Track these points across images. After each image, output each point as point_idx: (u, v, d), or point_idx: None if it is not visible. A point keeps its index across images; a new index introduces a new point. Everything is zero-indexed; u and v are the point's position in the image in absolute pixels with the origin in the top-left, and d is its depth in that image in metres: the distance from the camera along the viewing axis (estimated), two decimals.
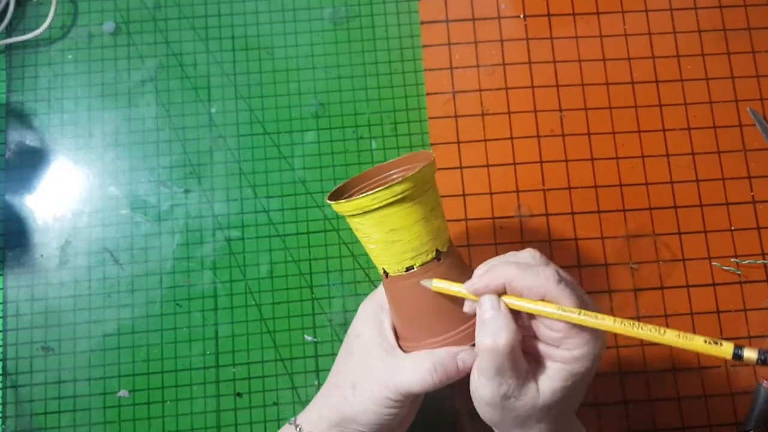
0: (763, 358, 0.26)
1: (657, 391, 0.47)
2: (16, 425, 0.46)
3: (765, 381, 0.46)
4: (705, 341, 0.27)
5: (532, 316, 0.33)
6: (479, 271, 0.34)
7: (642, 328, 0.29)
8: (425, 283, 0.35)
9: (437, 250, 0.36)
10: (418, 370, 0.35)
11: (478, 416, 0.35)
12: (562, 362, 0.32)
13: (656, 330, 0.29)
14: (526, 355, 0.33)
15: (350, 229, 0.49)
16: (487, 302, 0.32)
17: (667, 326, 0.48)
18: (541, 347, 0.33)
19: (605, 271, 0.49)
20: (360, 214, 0.34)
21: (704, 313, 0.48)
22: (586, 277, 0.49)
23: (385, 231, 0.35)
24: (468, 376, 0.35)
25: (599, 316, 0.30)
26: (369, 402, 0.36)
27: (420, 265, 0.35)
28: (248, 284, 0.49)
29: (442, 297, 0.35)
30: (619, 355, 0.48)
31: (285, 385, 0.47)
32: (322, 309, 0.48)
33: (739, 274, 0.49)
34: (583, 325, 0.30)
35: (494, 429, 0.36)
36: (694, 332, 0.48)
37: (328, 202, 0.36)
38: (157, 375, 0.47)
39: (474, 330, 0.34)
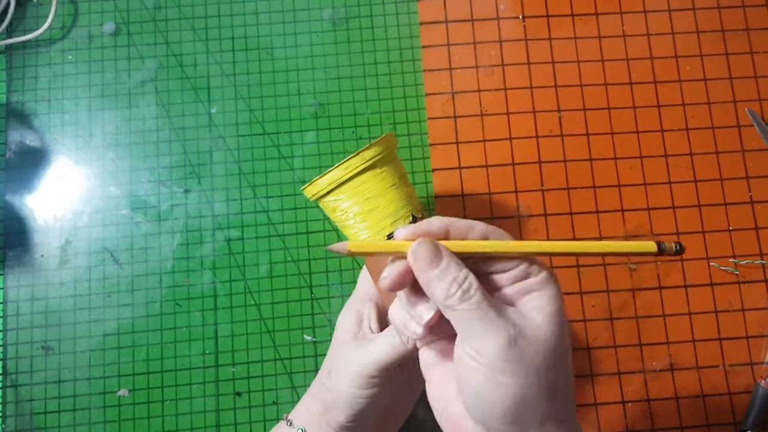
0: (678, 248, 0.28)
1: (655, 390, 0.47)
2: (16, 424, 0.46)
3: (763, 380, 0.46)
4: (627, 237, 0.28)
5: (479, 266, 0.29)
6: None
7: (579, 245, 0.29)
8: (337, 246, 0.29)
9: (413, 215, 0.38)
10: (384, 336, 0.36)
11: None
12: (539, 289, 0.28)
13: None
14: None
15: None
16: (422, 248, 0.28)
17: (666, 327, 0.48)
18: (506, 290, 0.29)
19: (604, 271, 0.49)
20: (336, 188, 0.37)
21: (702, 313, 0.48)
22: (585, 277, 0.49)
23: (362, 200, 0.37)
24: None
25: (540, 243, 0.29)
26: (343, 384, 0.36)
27: None
28: (248, 284, 0.49)
29: None
30: (618, 355, 0.48)
31: (284, 385, 0.47)
32: (321, 309, 0.49)
33: (737, 275, 0.49)
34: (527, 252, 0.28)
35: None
36: (693, 334, 0.48)
37: (303, 191, 0.38)
38: (157, 374, 0.47)
39: None
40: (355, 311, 0.39)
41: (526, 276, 0.28)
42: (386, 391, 0.37)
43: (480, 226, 0.29)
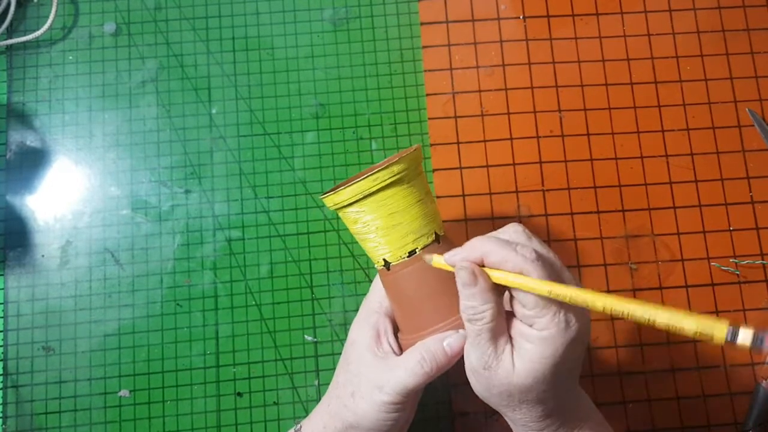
0: (760, 340, 0.22)
1: (656, 391, 0.47)
2: (17, 425, 0.46)
3: (764, 381, 0.46)
4: (695, 333, 0.24)
5: (510, 294, 0.33)
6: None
7: (628, 307, 0.27)
8: (426, 257, 0.35)
9: (436, 233, 0.37)
10: (408, 364, 0.35)
11: (494, 415, 0.35)
12: (532, 343, 0.32)
13: (646, 311, 0.26)
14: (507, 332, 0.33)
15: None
16: (463, 273, 0.32)
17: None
18: (517, 325, 0.33)
19: (604, 271, 0.49)
20: (360, 200, 0.35)
21: (703, 313, 0.48)
22: (586, 277, 0.49)
23: (386, 215, 0.36)
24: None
25: (575, 290, 0.29)
26: (368, 408, 0.36)
27: (422, 248, 0.36)
28: (248, 284, 0.49)
29: (446, 278, 0.36)
30: (618, 355, 0.48)
31: (285, 385, 0.47)
32: (322, 309, 0.49)
33: (737, 275, 0.49)
34: (553, 298, 0.30)
35: (489, 405, 0.36)
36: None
37: (323, 198, 0.37)
38: (158, 375, 0.47)
39: None
40: (370, 325, 0.39)
41: (531, 323, 0.32)
42: (408, 410, 0.38)
43: (514, 261, 0.31)
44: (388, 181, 0.35)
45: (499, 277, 0.32)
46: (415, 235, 0.36)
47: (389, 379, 0.35)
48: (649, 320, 0.26)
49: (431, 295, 0.36)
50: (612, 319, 0.48)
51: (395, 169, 0.35)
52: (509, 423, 0.37)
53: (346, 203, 0.36)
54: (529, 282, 0.31)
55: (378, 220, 0.36)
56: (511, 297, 0.33)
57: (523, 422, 0.35)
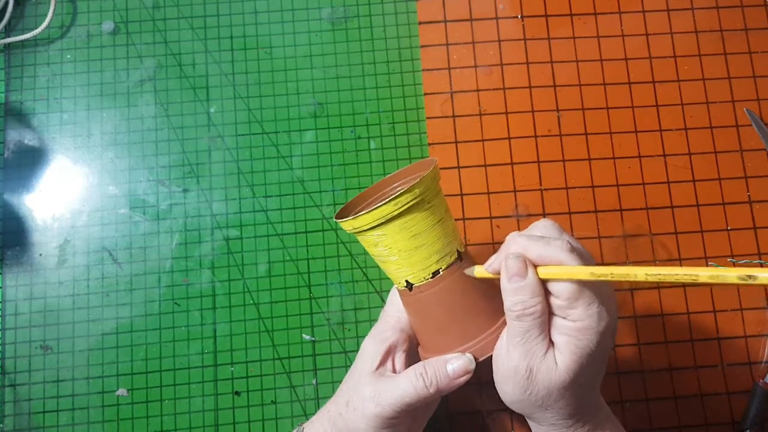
0: None
1: (654, 390, 0.47)
2: (15, 424, 0.46)
3: (761, 380, 0.46)
4: (738, 277, 0.25)
5: (546, 290, 0.33)
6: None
7: (675, 273, 0.27)
8: (468, 271, 0.35)
9: (458, 251, 0.36)
10: (408, 376, 0.35)
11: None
12: (568, 335, 0.31)
13: (690, 274, 0.27)
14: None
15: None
16: (513, 263, 0.32)
17: (665, 327, 0.48)
18: (553, 321, 0.32)
19: None
20: (381, 224, 0.34)
21: (701, 313, 0.48)
22: None
23: (408, 237, 0.34)
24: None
25: (615, 267, 0.29)
26: (360, 421, 0.36)
27: (446, 268, 0.35)
28: (246, 283, 0.49)
29: (470, 299, 0.35)
30: (616, 354, 0.48)
31: (283, 384, 0.47)
32: (320, 308, 0.49)
33: None
34: (595, 281, 0.30)
35: (516, 411, 0.35)
36: (691, 334, 0.48)
37: (340, 221, 0.35)
38: (156, 374, 0.47)
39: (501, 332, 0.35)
40: (383, 339, 0.38)
41: (565, 315, 0.32)
42: (402, 428, 0.37)
43: (552, 254, 0.31)
44: (410, 204, 0.33)
45: (540, 270, 0.32)
46: (438, 255, 0.35)
47: (384, 391, 0.35)
48: (693, 278, 0.26)
49: (454, 317, 0.35)
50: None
51: (417, 191, 0.33)
52: (532, 424, 0.37)
53: (366, 228, 0.34)
54: (570, 270, 0.31)
55: (400, 242, 0.34)
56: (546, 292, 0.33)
57: (552, 421, 0.34)
